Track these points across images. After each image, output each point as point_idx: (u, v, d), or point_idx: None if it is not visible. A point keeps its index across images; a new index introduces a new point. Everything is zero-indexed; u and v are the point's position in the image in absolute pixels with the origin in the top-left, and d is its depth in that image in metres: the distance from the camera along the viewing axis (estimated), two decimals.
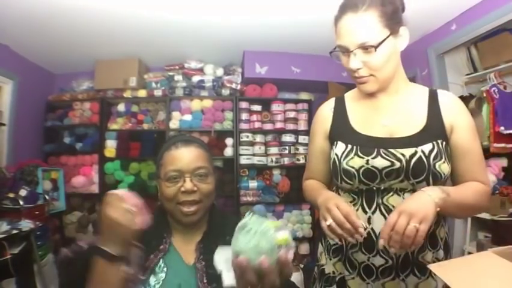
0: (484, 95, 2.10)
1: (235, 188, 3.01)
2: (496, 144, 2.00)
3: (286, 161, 3.13)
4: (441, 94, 0.85)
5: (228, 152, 3.08)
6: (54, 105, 3.21)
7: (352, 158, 0.81)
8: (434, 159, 0.77)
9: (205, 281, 0.74)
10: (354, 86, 0.88)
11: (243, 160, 3.05)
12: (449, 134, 0.82)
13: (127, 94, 3.09)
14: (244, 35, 2.70)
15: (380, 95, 0.85)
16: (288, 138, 3.15)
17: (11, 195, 2.17)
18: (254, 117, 3.15)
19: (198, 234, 0.82)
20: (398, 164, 0.77)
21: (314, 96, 3.31)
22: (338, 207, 0.72)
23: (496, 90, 2.05)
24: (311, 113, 3.21)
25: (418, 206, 0.67)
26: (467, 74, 2.42)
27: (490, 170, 2.10)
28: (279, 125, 3.16)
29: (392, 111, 0.84)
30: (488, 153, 2.04)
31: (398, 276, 0.79)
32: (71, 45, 2.76)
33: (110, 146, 3.05)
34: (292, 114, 3.18)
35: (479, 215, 1.97)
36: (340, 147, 0.85)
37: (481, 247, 1.94)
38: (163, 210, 0.83)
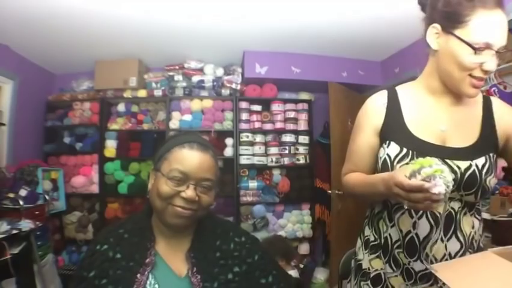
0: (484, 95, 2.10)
1: (235, 188, 3.01)
2: None
3: (286, 161, 3.13)
4: (495, 102, 0.85)
5: (228, 152, 3.08)
6: (54, 105, 3.21)
7: (407, 163, 0.77)
8: (485, 174, 0.76)
9: None
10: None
11: (243, 160, 3.05)
12: (502, 145, 0.80)
13: (127, 94, 3.09)
14: (244, 35, 2.70)
15: (442, 96, 0.84)
16: (288, 138, 3.15)
17: (11, 195, 2.18)
18: (254, 117, 3.15)
19: (186, 242, 0.76)
20: (453, 176, 0.75)
21: (314, 96, 3.31)
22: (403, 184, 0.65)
23: (496, 90, 2.05)
24: (311, 113, 3.21)
25: None
26: None
27: None
28: (279, 125, 3.16)
29: (451, 116, 0.83)
30: None
31: (437, 283, 0.78)
32: (71, 45, 2.76)
33: (110, 146, 3.06)
34: (292, 114, 3.18)
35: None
36: (393, 149, 0.81)
37: (481, 247, 1.94)
38: (148, 212, 0.77)
